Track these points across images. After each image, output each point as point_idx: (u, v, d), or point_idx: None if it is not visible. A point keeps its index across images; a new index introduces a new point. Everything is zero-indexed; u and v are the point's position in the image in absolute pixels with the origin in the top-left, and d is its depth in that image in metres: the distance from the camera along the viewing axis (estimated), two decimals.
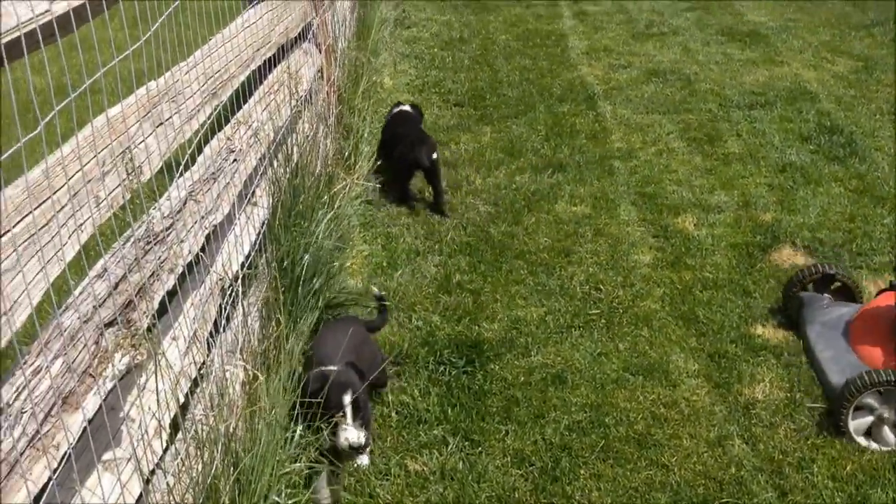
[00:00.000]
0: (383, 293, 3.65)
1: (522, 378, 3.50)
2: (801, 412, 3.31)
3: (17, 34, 1.76)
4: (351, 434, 2.68)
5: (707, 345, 3.72)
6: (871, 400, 3.17)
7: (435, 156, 4.78)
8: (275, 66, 4.25)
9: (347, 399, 2.68)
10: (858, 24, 7.94)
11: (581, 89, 6.57)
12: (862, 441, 3.18)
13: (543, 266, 4.30)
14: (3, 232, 1.66)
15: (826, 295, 3.82)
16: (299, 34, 4.89)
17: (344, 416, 2.67)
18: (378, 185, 4.90)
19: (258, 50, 3.93)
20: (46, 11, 1.87)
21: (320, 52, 5.24)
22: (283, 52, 4.44)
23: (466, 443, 3.15)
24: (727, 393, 3.42)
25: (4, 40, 1.71)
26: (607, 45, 7.54)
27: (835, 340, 3.54)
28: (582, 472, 3.02)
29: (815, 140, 5.63)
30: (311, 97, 4.78)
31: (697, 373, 3.54)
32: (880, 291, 3.75)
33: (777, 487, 2.96)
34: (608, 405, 3.35)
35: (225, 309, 2.90)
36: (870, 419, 3.20)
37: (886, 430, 3.19)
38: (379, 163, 4.88)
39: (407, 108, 5.32)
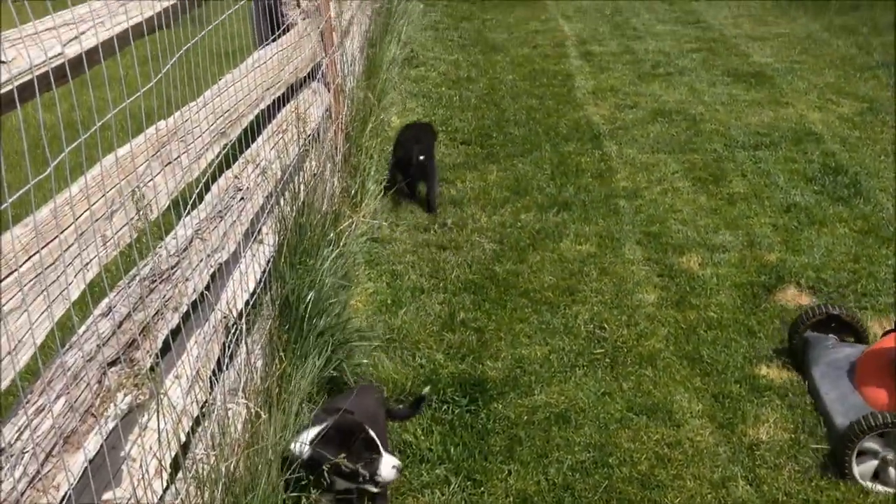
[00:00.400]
0: (427, 394, 3.45)
1: (526, 417, 3.49)
2: (805, 453, 3.29)
3: (30, 77, 1.80)
4: (392, 461, 2.71)
5: (711, 385, 3.71)
6: (873, 444, 3.14)
7: (422, 157, 5.21)
8: (284, 105, 4.31)
9: (373, 434, 2.70)
10: (863, 66, 8.00)
11: (587, 129, 6.62)
12: (868, 485, 3.16)
13: (548, 304, 4.31)
14: (3, 276, 1.68)
15: (831, 335, 3.81)
16: (308, 73, 4.95)
17: (378, 450, 2.69)
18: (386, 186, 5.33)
19: (267, 89, 3.99)
20: (59, 55, 1.92)
21: (329, 91, 5.31)
22: (292, 92, 4.50)
23: (469, 483, 3.14)
24: (731, 433, 3.41)
25: (17, 83, 1.75)
26: (613, 85, 7.60)
27: (840, 381, 3.53)
28: None
29: (820, 181, 5.65)
30: (318, 136, 4.84)
31: (701, 413, 3.53)
32: (886, 332, 3.74)
33: None
34: (612, 445, 3.34)
35: (228, 347, 2.92)
36: (875, 463, 3.18)
37: (892, 471, 3.16)
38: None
39: (424, 122, 5.87)
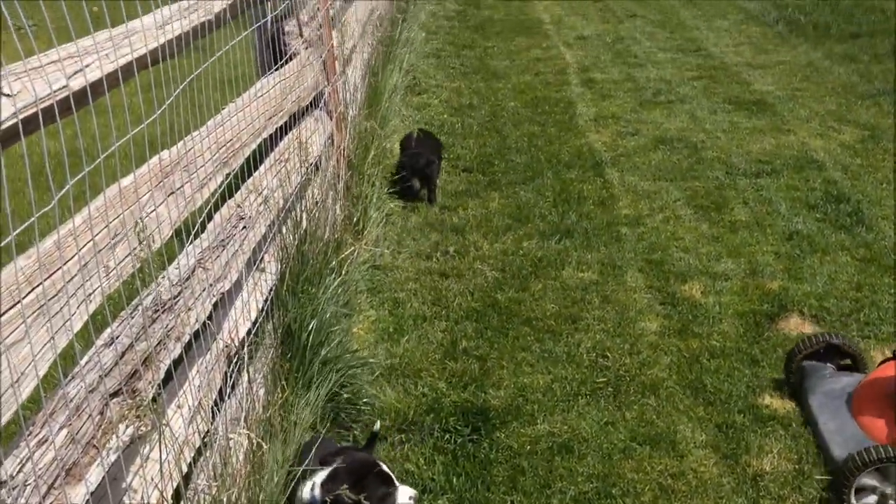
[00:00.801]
0: (377, 430, 3.25)
1: (529, 447, 3.48)
2: (809, 484, 3.27)
3: (34, 110, 1.81)
4: (408, 491, 2.74)
5: (715, 415, 3.69)
6: (871, 480, 3.11)
7: (422, 161, 5.69)
8: (286, 133, 4.33)
9: (385, 467, 2.71)
10: (865, 94, 8.03)
11: (589, 156, 6.64)
12: None
13: (550, 333, 4.30)
14: (4, 309, 1.68)
15: (829, 364, 3.79)
16: (311, 102, 4.98)
17: (392, 483, 2.68)
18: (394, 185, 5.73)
19: (270, 118, 4.01)
20: (64, 87, 1.93)
21: (331, 119, 5.33)
22: (294, 120, 4.52)
23: None
24: (735, 464, 3.39)
25: (22, 116, 1.76)
26: (615, 113, 7.63)
27: (838, 411, 3.50)
28: None
29: (822, 208, 5.65)
30: (321, 164, 4.86)
31: (705, 443, 3.51)
32: (882, 361, 3.73)
33: None
34: (615, 476, 3.32)
35: (230, 376, 2.91)
36: (874, 498, 3.14)
37: None
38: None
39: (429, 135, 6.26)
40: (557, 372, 3.98)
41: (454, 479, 3.26)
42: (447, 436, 3.50)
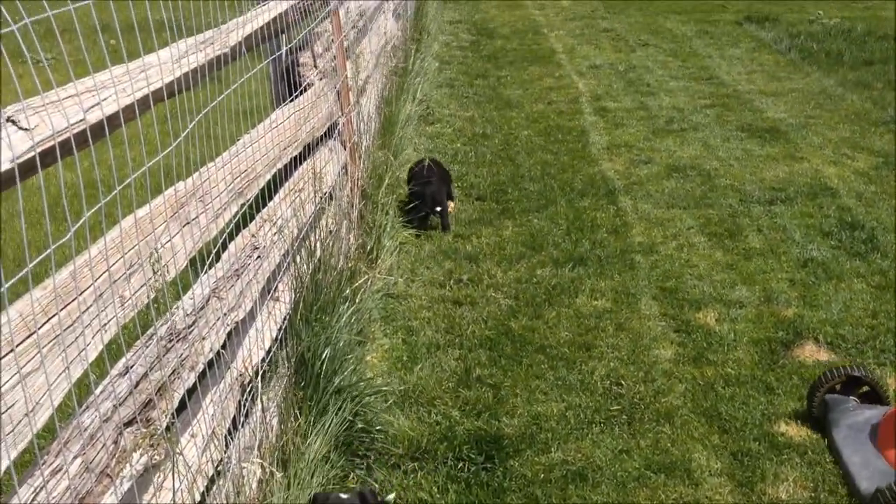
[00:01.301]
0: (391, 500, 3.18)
1: (543, 475, 3.46)
2: None
3: (52, 143, 1.85)
4: None
5: (730, 442, 3.67)
6: None
7: (439, 208, 5.75)
8: (300, 163, 4.37)
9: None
10: (878, 121, 8.02)
11: (602, 184, 6.65)
12: None
13: (564, 360, 4.30)
14: (22, 338, 1.71)
15: (852, 397, 3.77)
16: (325, 132, 5.03)
17: None
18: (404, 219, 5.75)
19: (285, 149, 4.05)
20: (81, 121, 1.97)
21: (345, 149, 5.38)
22: (308, 150, 4.57)
23: None
24: (751, 492, 3.37)
25: (39, 149, 1.80)
26: (628, 141, 7.66)
27: (862, 444, 3.48)
28: None
29: (837, 236, 5.64)
30: (335, 193, 4.89)
31: (720, 471, 3.49)
32: None
33: None
34: None
35: (244, 405, 2.92)
36: None
37: None
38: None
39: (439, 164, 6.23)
40: (571, 400, 3.98)
41: None
42: (460, 464, 3.50)
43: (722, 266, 5.31)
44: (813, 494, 3.34)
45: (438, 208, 5.80)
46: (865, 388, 3.79)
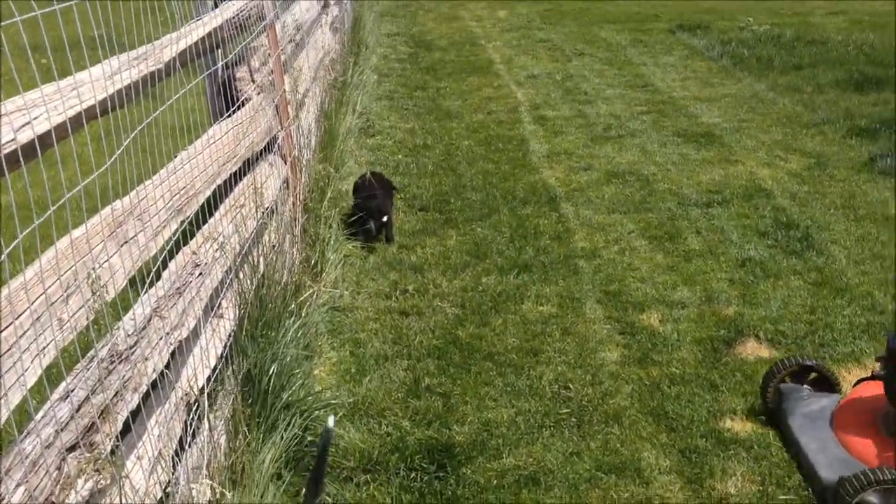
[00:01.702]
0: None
1: (495, 481, 3.47)
2: None
3: None
4: None
5: (678, 440, 3.72)
6: (872, 499, 3.14)
7: (385, 219, 5.77)
8: (241, 179, 4.33)
9: None
10: (809, 123, 8.24)
11: (543, 191, 6.72)
12: None
13: (512, 367, 4.32)
14: None
15: (805, 386, 3.85)
16: (265, 147, 4.99)
17: None
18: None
19: (224, 165, 4.01)
20: (12, 140, 1.93)
21: (286, 163, 5.35)
22: (248, 165, 4.53)
23: None
24: (700, 488, 3.42)
25: None
26: (567, 149, 7.74)
27: (819, 432, 3.56)
28: None
29: (773, 235, 5.77)
30: (276, 208, 4.86)
31: (669, 469, 3.54)
32: (858, 381, 3.80)
33: None
34: None
35: (191, 425, 2.88)
36: None
37: None
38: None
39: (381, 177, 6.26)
40: (521, 405, 4.00)
41: None
42: (413, 474, 3.49)
43: (663, 268, 5.40)
44: (760, 488, 3.40)
45: (385, 219, 5.80)
46: (815, 376, 3.88)
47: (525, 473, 3.51)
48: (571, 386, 4.14)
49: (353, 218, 5.79)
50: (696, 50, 11.56)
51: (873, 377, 3.64)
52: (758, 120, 8.42)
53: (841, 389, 3.89)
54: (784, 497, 3.34)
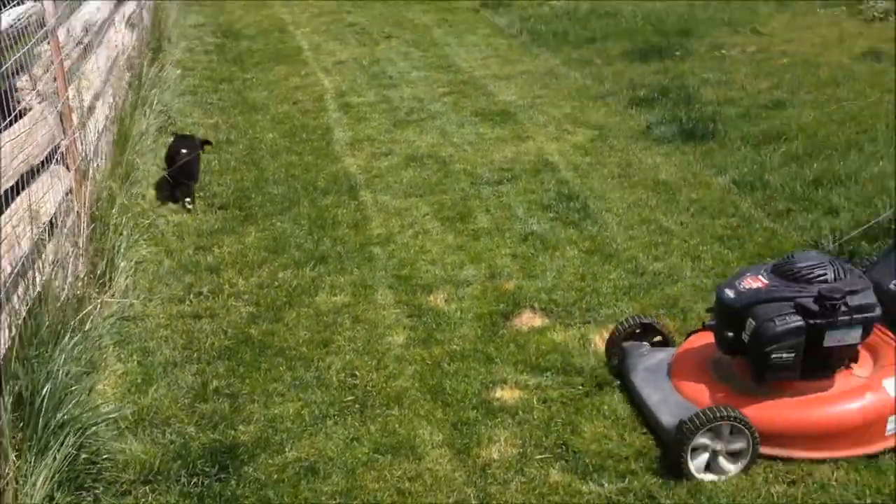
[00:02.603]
0: None
1: (276, 476, 3.62)
2: (531, 465, 3.62)
3: None
4: None
5: (451, 414, 3.99)
6: (704, 439, 3.45)
7: (184, 150, 6.43)
8: (17, 194, 4.23)
9: None
10: (596, 95, 8.74)
11: (344, 180, 6.86)
12: (704, 477, 3.46)
13: (302, 360, 4.47)
14: None
15: (645, 343, 4.20)
16: (46, 157, 4.89)
17: None
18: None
19: None
20: None
21: (70, 172, 5.26)
22: (27, 178, 4.42)
23: None
24: (467, 457, 3.69)
25: None
26: (370, 135, 7.91)
27: (659, 383, 3.89)
28: None
29: (555, 208, 6.15)
30: (57, 221, 4.78)
31: (441, 443, 3.80)
32: (690, 332, 4.18)
33: None
34: (357, 489, 3.53)
35: None
36: (706, 456, 3.50)
37: (722, 460, 3.51)
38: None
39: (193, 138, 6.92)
40: (308, 397, 4.15)
41: None
42: (194, 479, 3.57)
43: (453, 248, 5.66)
44: (521, 451, 3.71)
45: (191, 181, 6.43)
46: (655, 334, 4.22)
47: (305, 465, 3.67)
48: (358, 373, 4.33)
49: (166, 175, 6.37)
50: (498, 28, 11.95)
51: (704, 327, 3.94)
52: (550, 95, 8.85)
53: (674, 343, 4.23)
54: (540, 456, 3.66)
